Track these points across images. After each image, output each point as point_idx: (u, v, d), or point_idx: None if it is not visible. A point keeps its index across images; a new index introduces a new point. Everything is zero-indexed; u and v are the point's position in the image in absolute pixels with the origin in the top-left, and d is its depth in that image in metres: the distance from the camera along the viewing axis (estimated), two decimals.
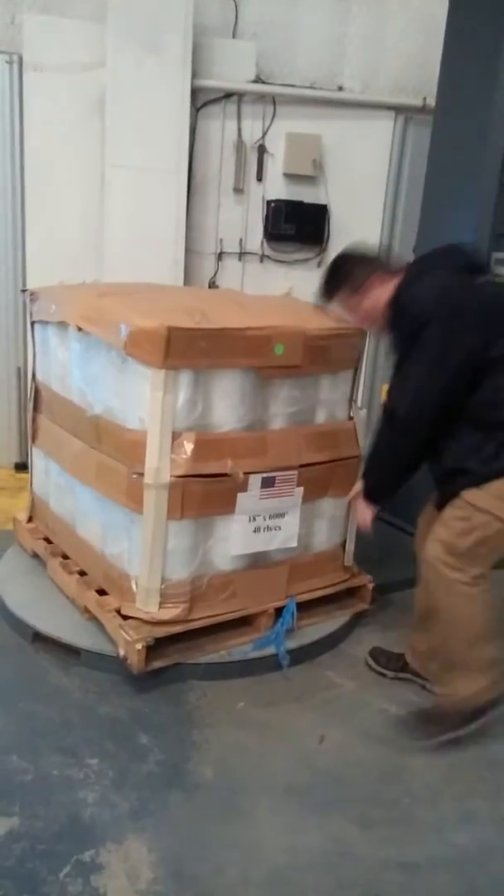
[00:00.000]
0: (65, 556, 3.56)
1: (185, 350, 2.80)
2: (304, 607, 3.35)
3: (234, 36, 5.14)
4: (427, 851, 2.34)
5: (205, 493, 2.93)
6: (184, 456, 2.87)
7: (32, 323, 3.72)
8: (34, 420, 3.80)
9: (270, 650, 3.18)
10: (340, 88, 5.33)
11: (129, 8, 4.68)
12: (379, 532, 4.57)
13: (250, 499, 3.04)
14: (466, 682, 2.76)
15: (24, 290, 3.59)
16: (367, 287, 2.78)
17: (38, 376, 3.74)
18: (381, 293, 2.74)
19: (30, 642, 3.22)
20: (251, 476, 3.02)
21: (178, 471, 2.87)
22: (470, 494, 2.63)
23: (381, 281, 2.75)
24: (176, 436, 2.87)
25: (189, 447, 2.88)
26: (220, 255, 5.40)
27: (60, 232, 5.08)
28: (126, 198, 4.96)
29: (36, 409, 3.78)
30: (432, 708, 2.89)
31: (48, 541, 3.73)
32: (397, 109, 5.36)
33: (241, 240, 5.40)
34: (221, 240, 5.38)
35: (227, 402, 2.97)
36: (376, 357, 5.84)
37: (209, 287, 5.39)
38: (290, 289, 5.40)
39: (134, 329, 2.78)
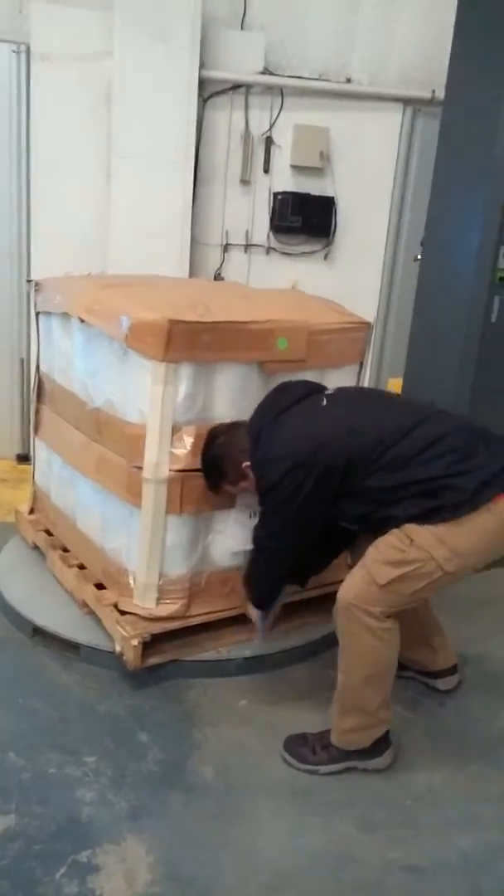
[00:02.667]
0: (65, 549, 3.53)
1: (187, 343, 2.75)
2: (307, 605, 3.29)
3: (242, 27, 5.08)
4: (431, 854, 2.30)
5: (204, 487, 2.89)
6: (184, 450, 2.83)
7: (37, 314, 3.68)
8: (37, 411, 3.77)
9: (270, 648, 3.14)
10: (349, 80, 5.26)
11: None
12: None
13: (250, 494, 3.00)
14: (346, 719, 2.58)
15: (29, 281, 3.57)
16: (242, 473, 2.72)
17: (42, 367, 3.70)
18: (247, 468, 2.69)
19: (29, 636, 3.19)
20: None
21: (177, 465, 2.83)
22: (411, 528, 2.41)
23: (248, 455, 2.68)
24: (176, 429, 2.83)
25: (189, 441, 2.83)
26: (225, 247, 5.35)
27: (66, 222, 5.04)
28: (132, 188, 4.91)
29: (39, 399, 3.75)
30: (312, 734, 2.69)
31: (49, 533, 3.70)
32: (405, 101, 5.30)
33: (247, 231, 5.35)
34: (227, 231, 5.33)
35: (229, 396, 2.93)
36: (383, 350, 5.81)
37: (214, 279, 5.35)
38: (295, 282, 5.35)
39: (135, 321, 2.74)
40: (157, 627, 2.95)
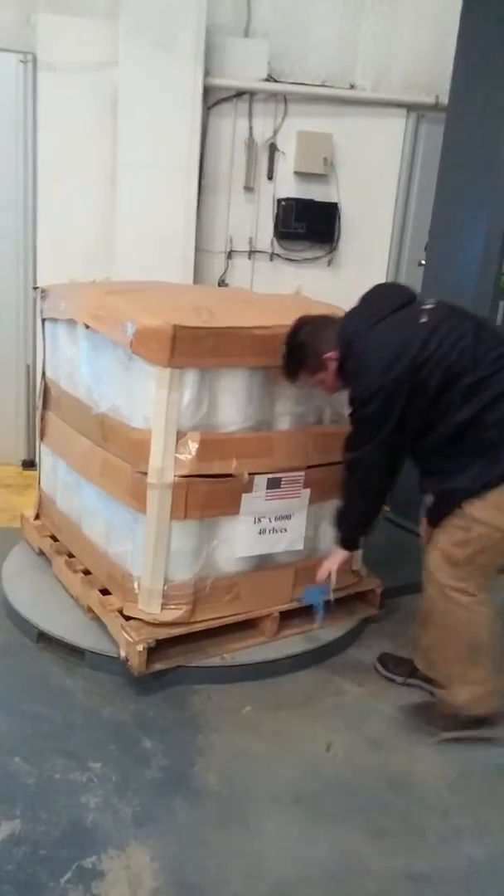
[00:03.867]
0: (70, 555, 3.52)
1: (191, 349, 2.76)
2: (311, 611, 3.27)
3: (246, 35, 5.11)
4: (438, 862, 2.28)
5: (209, 493, 2.89)
6: (188, 455, 2.83)
7: (43, 320, 3.70)
8: (43, 417, 3.78)
9: (275, 654, 3.14)
10: (352, 86, 5.28)
11: (142, 6, 4.66)
12: (387, 534, 4.56)
13: (256, 500, 3.00)
14: (461, 690, 2.72)
15: (35, 288, 3.59)
16: (322, 364, 2.78)
17: (48, 373, 3.72)
18: (333, 363, 2.75)
19: (34, 642, 3.18)
20: (257, 477, 2.98)
21: (182, 470, 2.83)
22: (469, 505, 2.58)
23: (332, 348, 2.73)
24: (181, 435, 2.83)
25: (194, 447, 2.83)
26: (230, 254, 5.37)
27: (71, 230, 5.07)
28: (137, 196, 4.94)
29: (45, 406, 3.76)
30: (435, 706, 2.87)
31: (54, 538, 3.70)
32: (409, 107, 5.31)
33: (251, 238, 5.36)
34: (231, 238, 5.34)
35: (234, 401, 2.93)
36: None
37: (219, 285, 5.36)
38: (299, 287, 5.36)
39: (140, 327, 2.75)
40: (162, 633, 2.94)
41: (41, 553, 3.75)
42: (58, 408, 3.62)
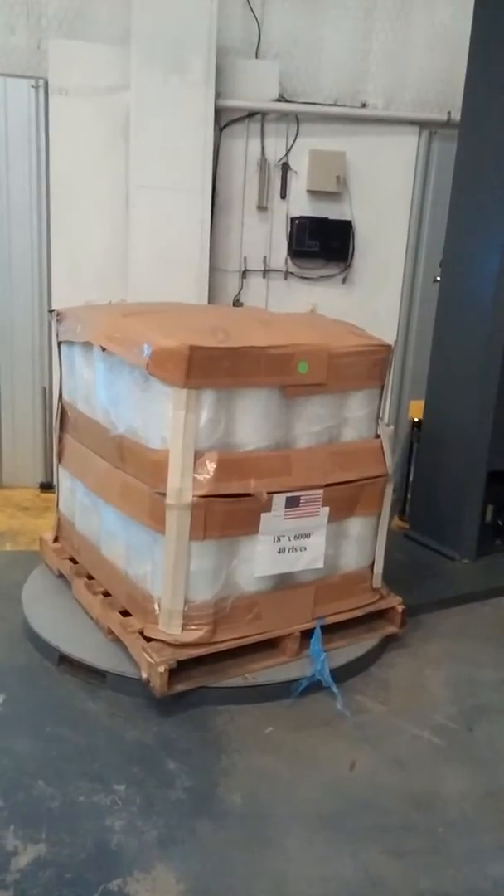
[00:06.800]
0: (90, 577, 3.54)
1: (208, 369, 2.78)
2: (332, 630, 3.29)
3: (257, 56, 5.17)
4: (463, 883, 2.26)
5: (228, 513, 2.90)
6: (206, 476, 2.84)
7: (59, 343, 3.73)
8: (60, 440, 3.80)
9: (297, 673, 3.11)
10: (364, 105, 5.33)
11: (153, 30, 4.74)
12: (407, 551, 4.55)
13: (275, 519, 3.01)
14: None
15: (51, 311, 3.62)
16: None
17: (65, 396, 3.74)
18: None
19: (56, 664, 3.20)
20: (275, 496, 2.98)
21: (200, 491, 2.84)
22: None
23: None
24: (198, 455, 2.85)
25: (212, 467, 2.85)
26: (244, 273, 5.41)
27: (85, 253, 5.13)
28: (151, 218, 4.99)
29: (62, 428, 3.78)
30: None
31: (74, 561, 3.71)
32: (421, 124, 5.36)
33: (265, 257, 5.40)
34: (245, 258, 5.38)
35: (251, 420, 2.94)
36: (403, 372, 5.81)
37: (234, 305, 5.39)
38: (314, 306, 5.38)
39: (156, 349, 2.77)
40: (183, 654, 2.94)
41: (61, 575, 3.77)
42: (75, 430, 3.65)
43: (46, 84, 4.93)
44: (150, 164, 4.94)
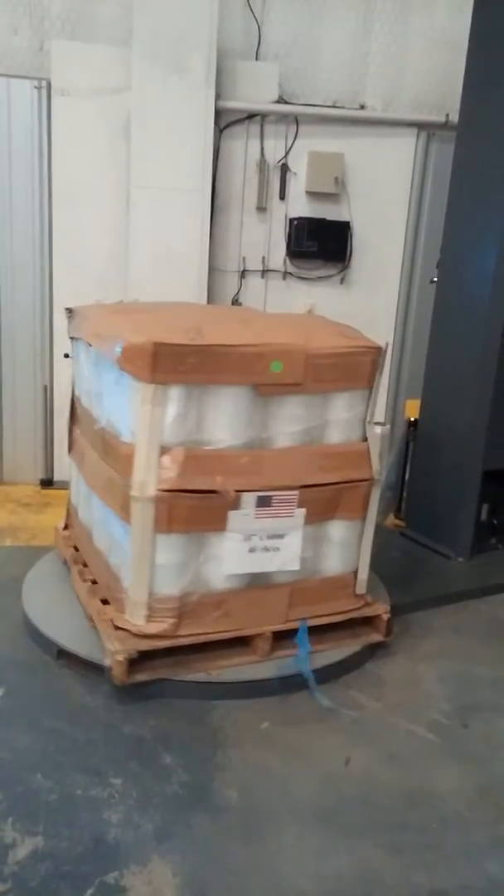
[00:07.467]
0: (85, 565, 3.61)
1: (174, 365, 2.81)
2: (313, 633, 3.26)
3: (257, 57, 5.20)
4: (458, 879, 2.28)
5: (193, 508, 2.92)
6: (171, 470, 2.88)
7: (71, 339, 3.83)
8: (70, 432, 3.89)
9: (291, 670, 3.13)
10: (362, 107, 5.36)
11: (155, 31, 4.77)
12: (402, 550, 4.58)
13: (244, 518, 2.99)
14: None
15: (67, 309, 3.72)
16: None
17: (75, 390, 3.85)
18: None
19: (54, 659, 3.22)
20: (245, 494, 2.97)
21: (164, 485, 2.87)
22: None
23: None
24: (165, 450, 2.88)
25: (177, 461, 2.88)
26: (243, 273, 5.43)
27: (86, 252, 5.16)
28: (151, 218, 5.02)
29: (72, 421, 3.88)
30: None
31: (77, 549, 3.80)
32: (419, 126, 5.39)
33: (263, 258, 5.43)
34: (244, 258, 5.41)
35: (223, 418, 2.94)
36: (400, 372, 5.83)
37: (232, 304, 5.42)
38: (312, 306, 5.40)
39: (126, 345, 2.84)
40: (146, 644, 2.98)
41: (66, 563, 3.83)
42: (79, 423, 3.75)
43: (49, 85, 4.96)
44: (151, 165, 4.96)
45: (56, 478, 5.48)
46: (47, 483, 5.43)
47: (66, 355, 5.11)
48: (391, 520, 4.96)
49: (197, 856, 2.30)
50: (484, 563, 4.51)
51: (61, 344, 5.20)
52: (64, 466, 5.47)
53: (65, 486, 5.35)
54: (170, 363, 2.80)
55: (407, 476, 5.00)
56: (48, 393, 5.40)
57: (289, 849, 2.35)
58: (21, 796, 2.47)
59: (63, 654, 3.21)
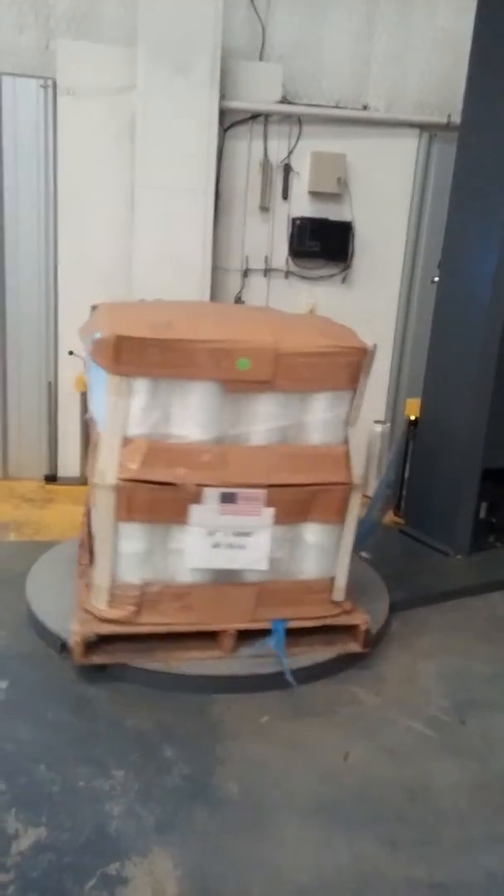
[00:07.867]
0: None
1: (138, 358, 2.87)
2: (286, 635, 3.23)
3: (261, 58, 5.22)
4: (456, 873, 2.31)
5: (153, 499, 2.96)
6: (132, 460, 2.93)
7: None
8: (87, 423, 3.94)
9: (293, 665, 3.16)
10: (365, 107, 5.38)
11: (160, 31, 4.79)
12: (400, 546, 4.61)
13: (207, 512, 3.00)
14: None
15: (93, 306, 3.77)
16: None
17: None
18: None
19: (58, 652, 3.25)
20: (208, 489, 2.97)
21: (125, 474, 2.93)
22: None
23: None
24: (128, 441, 2.94)
25: (139, 452, 2.93)
26: (245, 272, 5.46)
27: (91, 251, 5.19)
28: (155, 217, 5.05)
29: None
30: None
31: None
32: (422, 127, 5.40)
33: (266, 257, 5.45)
34: (247, 257, 5.43)
35: (190, 413, 2.97)
36: (400, 371, 5.86)
37: (235, 303, 5.44)
38: (313, 305, 5.44)
39: (97, 338, 2.92)
40: (105, 629, 3.07)
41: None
42: None
43: (55, 84, 4.98)
44: (155, 165, 4.99)
45: (60, 474, 5.51)
46: (51, 479, 5.46)
47: (71, 352, 5.16)
48: (390, 517, 4.99)
49: (197, 847, 2.33)
50: (482, 561, 4.54)
51: (66, 341, 5.24)
52: (68, 462, 5.52)
53: (69, 481, 5.41)
54: (133, 356, 2.87)
55: (406, 474, 5.03)
56: (52, 390, 5.42)
57: (288, 841, 2.38)
58: (25, 787, 2.51)
59: (67, 648, 3.23)
